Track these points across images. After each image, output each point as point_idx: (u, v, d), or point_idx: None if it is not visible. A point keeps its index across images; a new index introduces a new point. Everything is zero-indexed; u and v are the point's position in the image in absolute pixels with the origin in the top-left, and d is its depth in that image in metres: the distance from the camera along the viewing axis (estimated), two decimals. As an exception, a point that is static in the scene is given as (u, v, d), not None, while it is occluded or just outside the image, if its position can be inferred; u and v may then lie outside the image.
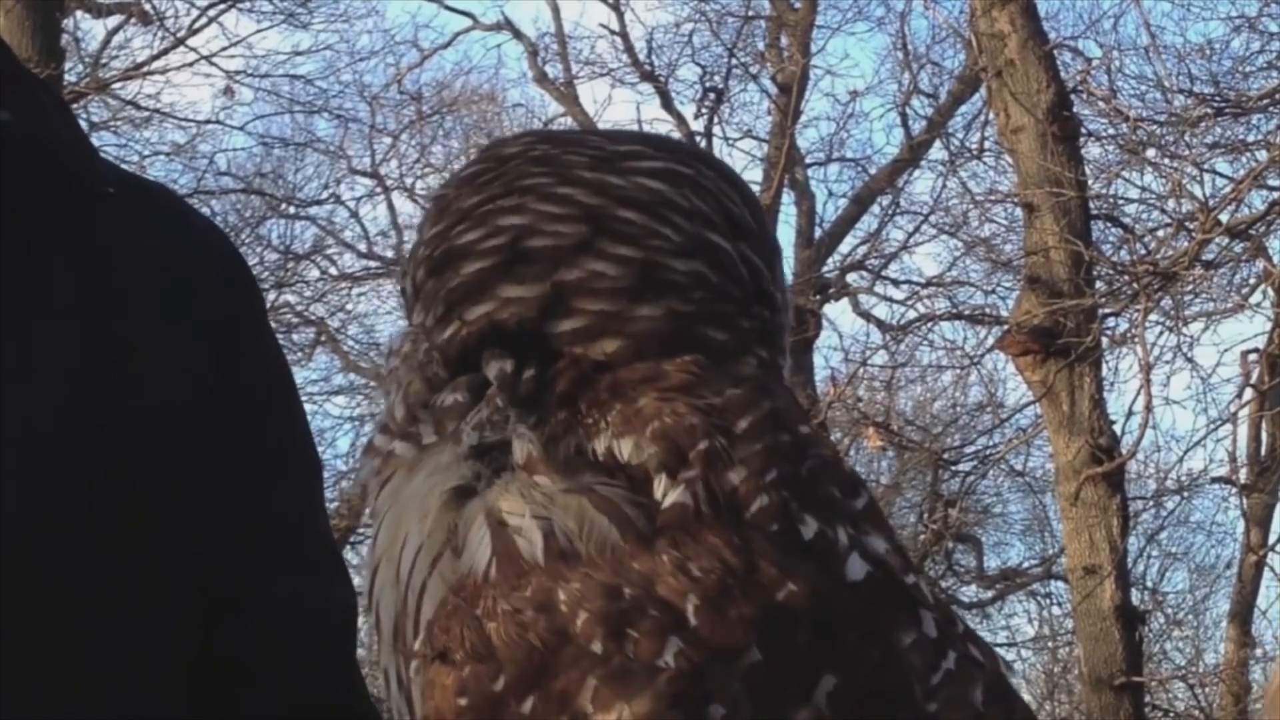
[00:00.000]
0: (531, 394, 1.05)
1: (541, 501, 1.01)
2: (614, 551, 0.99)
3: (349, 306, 14.07)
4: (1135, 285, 8.13)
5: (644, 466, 1.02)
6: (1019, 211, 9.06)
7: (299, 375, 12.61)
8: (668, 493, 1.01)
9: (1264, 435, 11.34)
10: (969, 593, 14.13)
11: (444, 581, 1.02)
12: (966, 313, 11.45)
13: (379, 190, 14.52)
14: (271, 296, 12.46)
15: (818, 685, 0.97)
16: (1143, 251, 8.82)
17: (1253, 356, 9.42)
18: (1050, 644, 14.61)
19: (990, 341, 10.37)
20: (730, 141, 13.35)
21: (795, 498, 1.02)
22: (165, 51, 11.39)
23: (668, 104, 13.41)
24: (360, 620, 1.37)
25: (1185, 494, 11.41)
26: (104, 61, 11.84)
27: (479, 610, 0.99)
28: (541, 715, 0.95)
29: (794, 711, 0.96)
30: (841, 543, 1.02)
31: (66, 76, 9.86)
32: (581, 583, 0.98)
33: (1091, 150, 9.05)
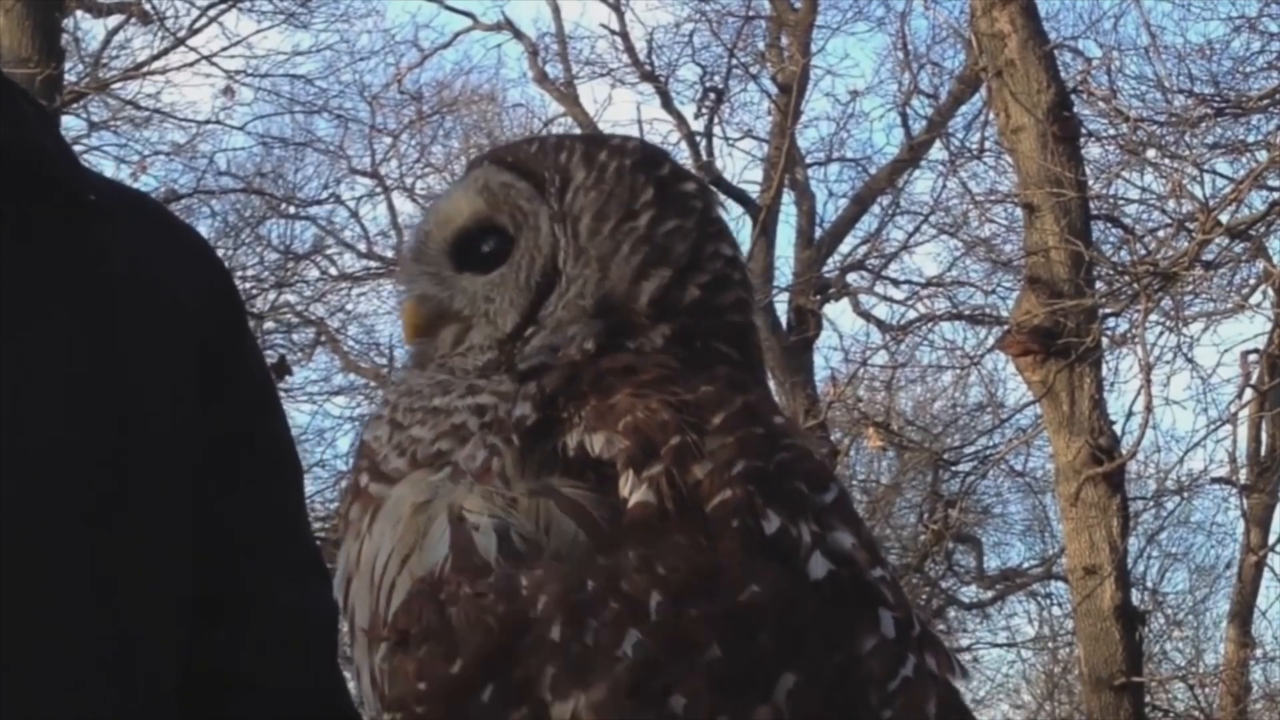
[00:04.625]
0: (507, 418, 1.08)
1: (502, 506, 1.03)
2: (579, 549, 1.01)
3: (349, 306, 14.06)
4: (1135, 285, 8.12)
5: (613, 462, 1.03)
6: (1019, 211, 9.05)
7: (299, 375, 12.63)
8: (634, 491, 1.02)
9: (1264, 435, 11.34)
10: (969, 593, 14.14)
11: (412, 579, 1.04)
12: (966, 313, 11.45)
13: (379, 190, 14.53)
14: (271, 296, 12.46)
15: (778, 683, 0.97)
16: (1143, 252, 8.81)
17: (1253, 357, 9.42)
18: (1050, 644, 14.60)
19: (990, 341, 10.37)
20: (730, 141, 13.38)
21: (760, 492, 1.03)
22: (165, 51, 11.39)
23: (668, 104, 13.41)
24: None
25: (1185, 494, 11.38)
26: (104, 61, 11.84)
27: (442, 595, 1.00)
28: (500, 703, 0.96)
29: (754, 707, 0.97)
30: (805, 540, 1.03)
31: (66, 76, 9.86)
32: (545, 570, 0.99)
33: (1091, 150, 9.06)
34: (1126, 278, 8.39)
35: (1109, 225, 9.31)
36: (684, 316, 1.12)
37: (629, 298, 1.12)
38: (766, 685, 0.97)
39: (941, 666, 1.06)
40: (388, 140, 14.42)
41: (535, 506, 1.03)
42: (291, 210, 13.62)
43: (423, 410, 1.12)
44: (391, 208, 14.65)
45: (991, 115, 9.24)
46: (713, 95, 13.21)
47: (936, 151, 12.59)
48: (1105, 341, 8.59)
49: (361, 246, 14.32)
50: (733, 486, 1.02)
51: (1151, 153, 8.74)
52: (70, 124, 10.54)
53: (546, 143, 1.18)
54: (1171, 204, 8.74)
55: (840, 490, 1.08)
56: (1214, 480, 9.96)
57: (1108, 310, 8.49)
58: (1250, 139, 8.57)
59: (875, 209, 13.30)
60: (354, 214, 14.36)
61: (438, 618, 0.99)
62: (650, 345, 1.11)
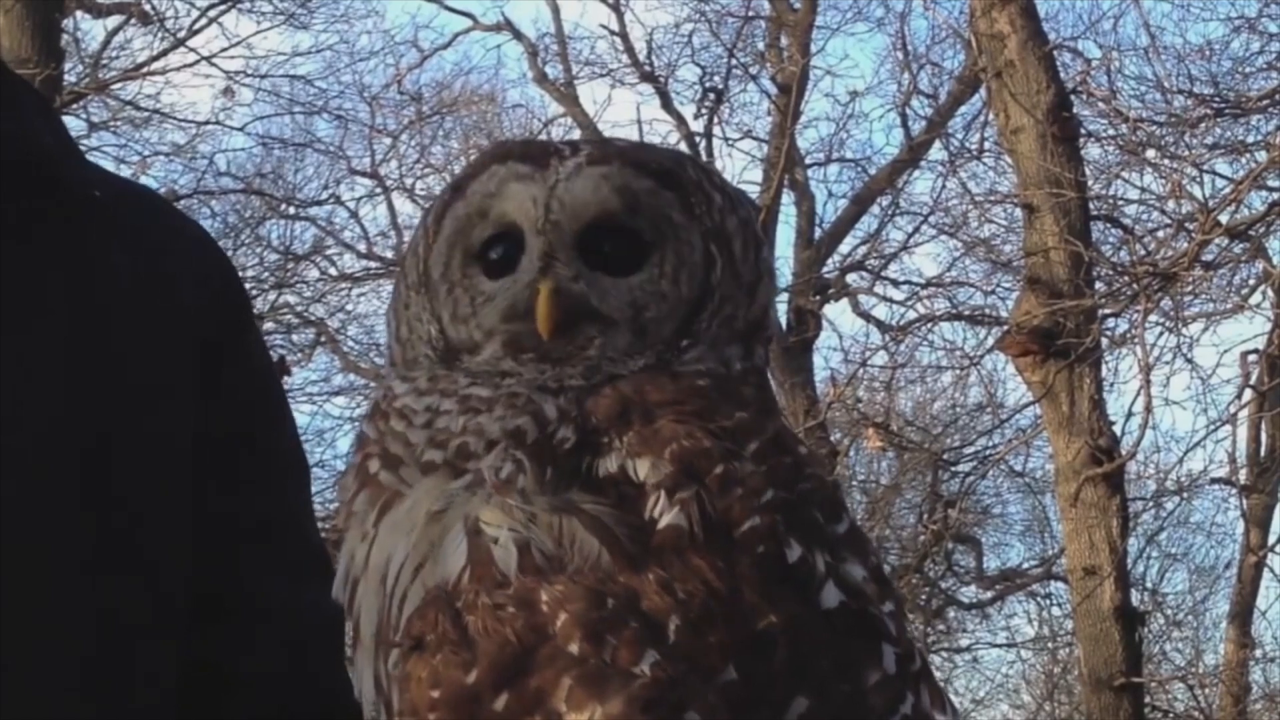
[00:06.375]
0: (549, 438, 1.07)
1: (521, 520, 1.03)
2: (601, 566, 1.01)
3: (349, 307, 14.05)
4: (1135, 286, 8.12)
5: (647, 485, 1.04)
6: (1019, 212, 9.05)
7: (299, 375, 12.62)
8: (664, 514, 1.03)
9: (1264, 436, 11.35)
10: (969, 593, 14.14)
11: (425, 588, 1.04)
12: (966, 313, 11.45)
13: (379, 190, 14.52)
14: (271, 296, 12.45)
15: (791, 706, 0.99)
16: (1142, 252, 8.81)
17: (1252, 357, 9.42)
18: (1050, 645, 14.61)
19: (990, 342, 10.37)
20: (730, 142, 13.38)
21: (785, 521, 1.05)
22: (165, 52, 11.40)
23: (668, 104, 13.42)
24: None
25: (1185, 495, 11.39)
26: (104, 62, 11.84)
27: (459, 603, 1.00)
28: (515, 712, 0.96)
29: None
30: (819, 570, 1.05)
31: (66, 77, 9.86)
32: (566, 586, 0.99)
33: (1091, 151, 9.06)
34: (1126, 278, 8.39)
35: (1109, 225, 9.32)
36: (768, 345, 1.21)
37: (762, 325, 1.18)
38: (780, 708, 0.99)
39: (934, 704, 1.08)
40: (387, 141, 14.43)
41: (556, 522, 1.03)
42: (291, 211, 13.62)
43: (508, 396, 1.09)
44: (391, 208, 14.65)
45: (991, 116, 9.25)
46: (712, 96, 13.22)
47: (936, 152, 12.61)
48: (1105, 342, 8.59)
49: (361, 247, 14.32)
50: (761, 514, 1.04)
51: (1151, 153, 8.75)
52: (70, 125, 10.52)
53: (664, 153, 1.20)
54: (1171, 204, 8.74)
55: (851, 521, 1.11)
56: (1214, 480, 9.98)
57: (1107, 311, 8.49)
58: (1250, 139, 8.58)
59: (875, 209, 13.32)
60: (354, 214, 14.37)
61: (454, 626, 0.99)
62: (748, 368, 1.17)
